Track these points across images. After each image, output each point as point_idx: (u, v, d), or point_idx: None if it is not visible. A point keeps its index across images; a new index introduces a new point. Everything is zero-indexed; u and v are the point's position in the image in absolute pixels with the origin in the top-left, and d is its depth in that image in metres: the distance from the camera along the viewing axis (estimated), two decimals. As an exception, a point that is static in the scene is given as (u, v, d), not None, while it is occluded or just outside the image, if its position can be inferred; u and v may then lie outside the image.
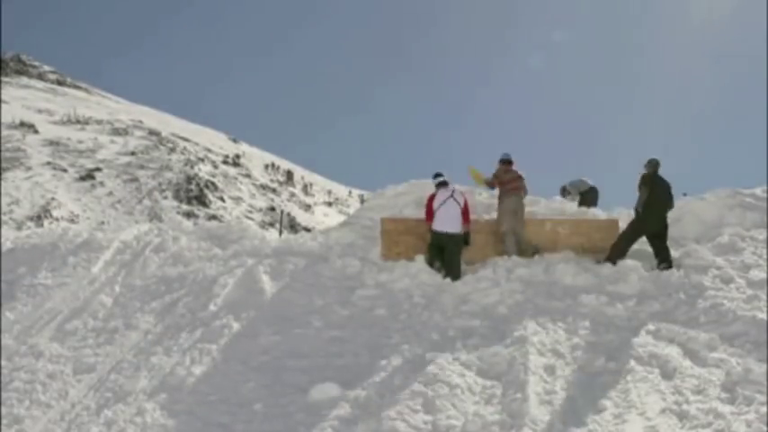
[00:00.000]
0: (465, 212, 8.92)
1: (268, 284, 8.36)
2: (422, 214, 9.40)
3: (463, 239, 8.83)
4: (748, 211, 9.98)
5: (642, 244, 9.29)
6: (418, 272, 8.47)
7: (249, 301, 7.89)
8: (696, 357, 5.65)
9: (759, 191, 10.62)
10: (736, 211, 10.07)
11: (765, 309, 6.43)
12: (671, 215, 10.13)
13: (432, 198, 9.05)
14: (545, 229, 9.51)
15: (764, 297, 6.77)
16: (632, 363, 5.68)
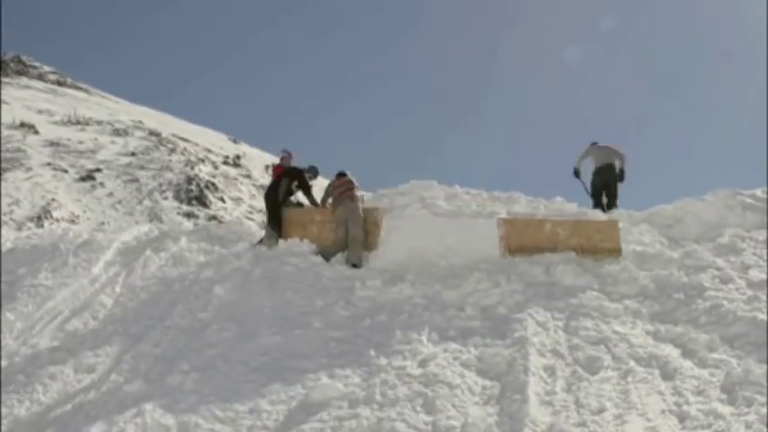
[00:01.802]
0: None
1: (268, 285, 8.37)
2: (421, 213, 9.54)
3: None
4: (748, 212, 10.00)
5: (645, 246, 9.30)
6: (418, 273, 8.49)
7: (249, 301, 7.90)
8: (696, 358, 5.66)
9: (759, 191, 10.65)
10: (737, 211, 10.09)
11: (766, 310, 6.44)
12: (671, 215, 10.15)
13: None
14: (545, 229, 9.53)
15: (765, 298, 6.77)
16: (632, 363, 5.68)
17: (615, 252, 9.25)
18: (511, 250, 9.35)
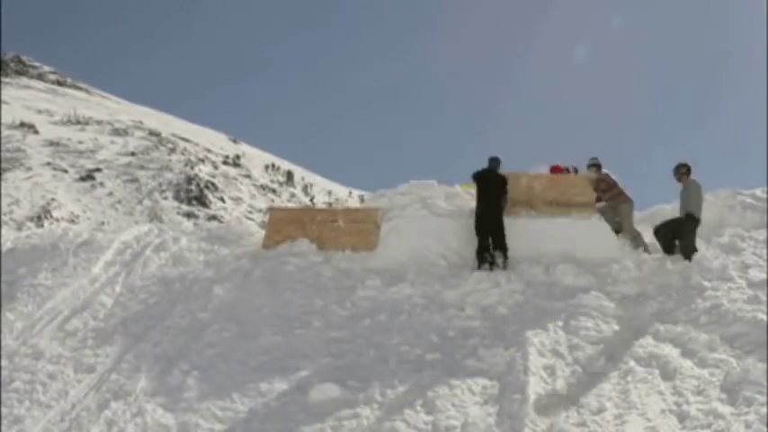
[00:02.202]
0: None
1: (268, 285, 8.36)
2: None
3: None
4: (748, 212, 10.01)
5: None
6: (418, 273, 8.49)
7: (249, 301, 7.89)
8: (696, 358, 5.65)
9: (759, 191, 10.65)
10: (737, 211, 10.10)
11: (766, 309, 6.43)
12: (672, 215, 10.13)
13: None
14: (520, 183, 9.70)
15: (764, 298, 6.76)
16: (632, 363, 5.67)
17: (589, 206, 9.43)
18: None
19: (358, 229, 9.74)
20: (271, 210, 10.51)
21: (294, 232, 9.80)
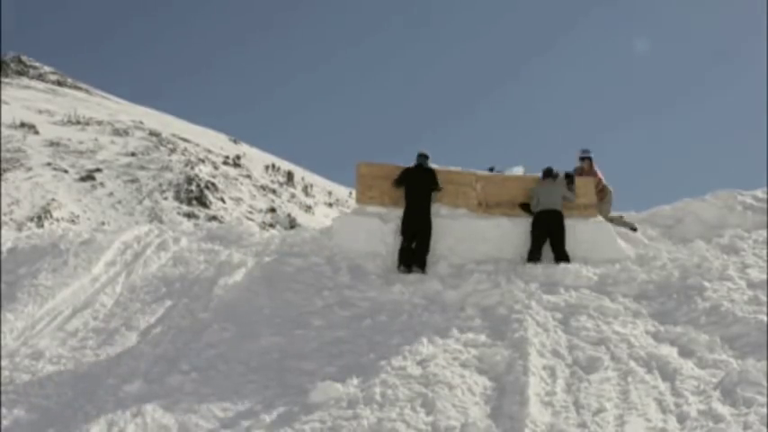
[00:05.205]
0: None
1: (268, 285, 8.37)
2: None
3: None
4: (749, 212, 10.04)
5: (645, 246, 9.29)
6: (419, 273, 8.50)
7: (249, 301, 7.90)
8: (696, 358, 5.67)
9: (760, 192, 10.69)
10: (737, 211, 10.12)
11: (766, 310, 6.44)
12: (671, 215, 10.15)
13: None
14: (522, 186, 9.64)
15: (765, 298, 6.78)
16: (632, 364, 5.68)
17: (590, 208, 9.40)
18: (488, 205, 9.52)
19: (456, 191, 9.64)
20: (357, 165, 9.84)
21: (388, 189, 9.47)
